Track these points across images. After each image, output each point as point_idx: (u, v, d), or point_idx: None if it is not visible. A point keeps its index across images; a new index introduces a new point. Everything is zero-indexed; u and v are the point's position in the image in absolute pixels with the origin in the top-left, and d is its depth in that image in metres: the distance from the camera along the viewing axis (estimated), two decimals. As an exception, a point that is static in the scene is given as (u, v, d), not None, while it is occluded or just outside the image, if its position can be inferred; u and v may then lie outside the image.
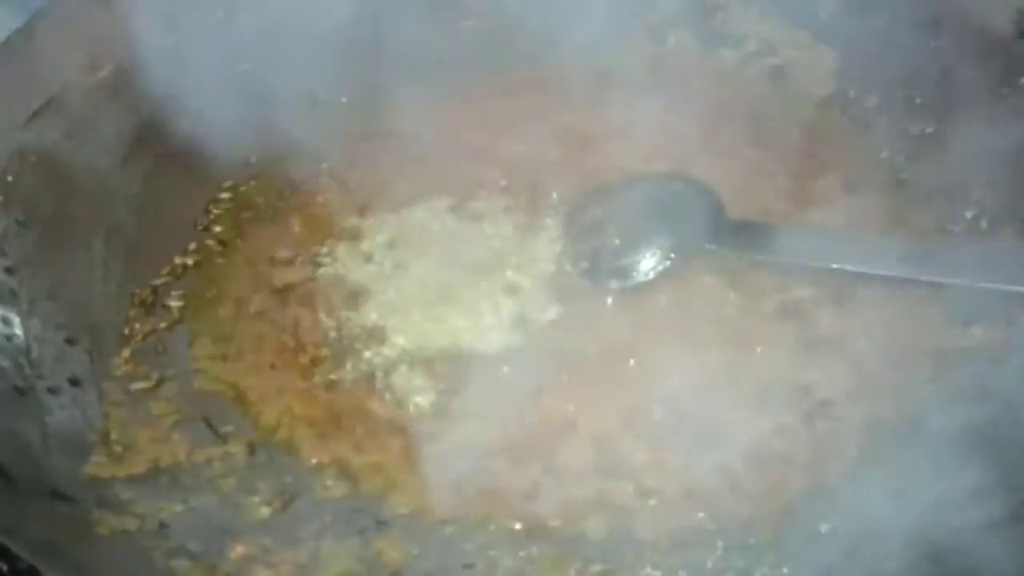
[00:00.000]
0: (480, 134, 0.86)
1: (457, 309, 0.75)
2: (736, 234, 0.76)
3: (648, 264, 0.76)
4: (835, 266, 0.71)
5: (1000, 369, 0.68)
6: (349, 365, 0.73)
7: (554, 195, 0.82)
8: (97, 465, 0.67)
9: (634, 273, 0.76)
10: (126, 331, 0.75)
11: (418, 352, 0.73)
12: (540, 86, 0.90)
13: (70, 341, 0.72)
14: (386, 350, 0.73)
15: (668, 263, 0.76)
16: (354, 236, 0.81)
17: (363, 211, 0.82)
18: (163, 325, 0.77)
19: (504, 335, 0.73)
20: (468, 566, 0.63)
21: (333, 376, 0.73)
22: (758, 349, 0.71)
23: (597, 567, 0.62)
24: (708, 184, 0.79)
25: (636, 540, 0.63)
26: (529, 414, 0.70)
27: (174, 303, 0.78)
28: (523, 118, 0.87)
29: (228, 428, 0.71)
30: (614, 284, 0.76)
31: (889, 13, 0.84)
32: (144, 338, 0.75)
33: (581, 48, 0.95)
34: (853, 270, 0.71)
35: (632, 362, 0.72)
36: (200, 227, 0.83)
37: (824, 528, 0.62)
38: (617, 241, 0.77)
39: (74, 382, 0.70)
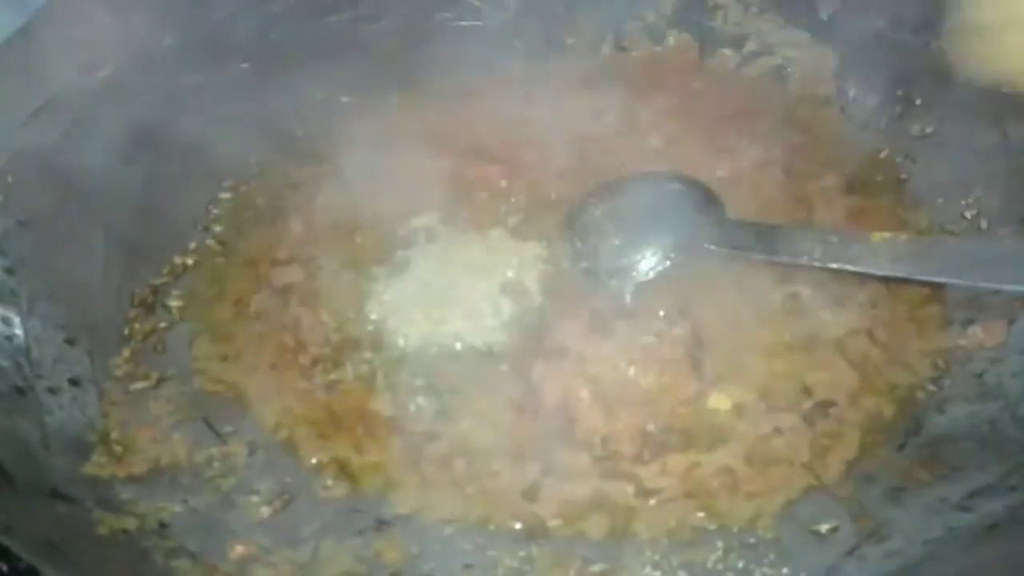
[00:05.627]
0: (480, 134, 0.86)
1: (457, 309, 0.75)
2: (736, 234, 0.76)
3: (648, 264, 0.76)
4: (835, 266, 0.71)
5: (1000, 369, 0.68)
6: (349, 365, 0.73)
7: (554, 195, 0.82)
8: (97, 465, 0.67)
9: (634, 273, 0.76)
10: (126, 331, 0.75)
11: (418, 352, 0.73)
12: (539, 86, 0.90)
13: (70, 341, 0.72)
14: (386, 350, 0.73)
15: (668, 263, 0.76)
16: (354, 236, 0.80)
17: (363, 211, 0.82)
18: (163, 325, 0.77)
19: (503, 335, 0.73)
20: (468, 566, 0.63)
21: (333, 376, 0.73)
22: (758, 349, 0.71)
23: (597, 567, 0.62)
24: (708, 184, 0.79)
25: (636, 540, 0.63)
26: (528, 414, 0.70)
27: (174, 303, 0.78)
28: (523, 118, 0.87)
29: (228, 428, 0.71)
30: (614, 284, 0.76)
31: (889, 13, 0.84)
32: (144, 338, 0.75)
33: (581, 48, 0.95)
34: (853, 270, 0.71)
35: (632, 362, 0.72)
36: (200, 227, 0.83)
37: (824, 528, 0.62)
38: (617, 241, 0.77)
39: (74, 382, 0.70)
